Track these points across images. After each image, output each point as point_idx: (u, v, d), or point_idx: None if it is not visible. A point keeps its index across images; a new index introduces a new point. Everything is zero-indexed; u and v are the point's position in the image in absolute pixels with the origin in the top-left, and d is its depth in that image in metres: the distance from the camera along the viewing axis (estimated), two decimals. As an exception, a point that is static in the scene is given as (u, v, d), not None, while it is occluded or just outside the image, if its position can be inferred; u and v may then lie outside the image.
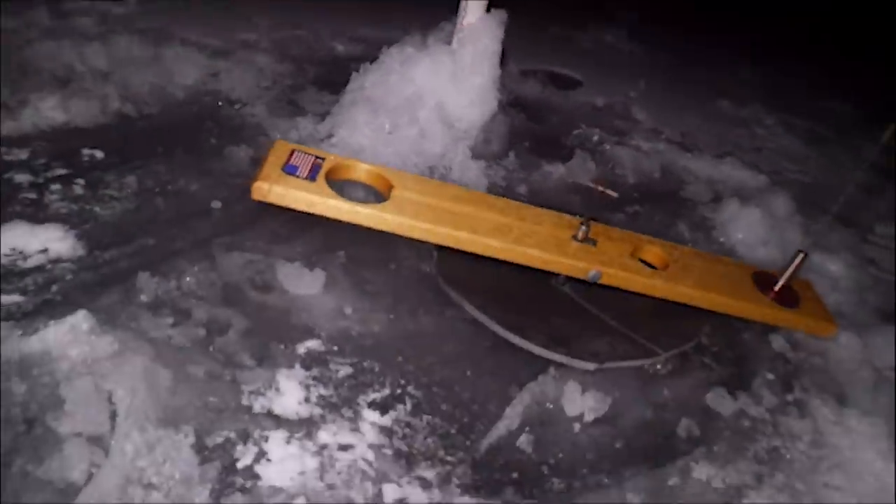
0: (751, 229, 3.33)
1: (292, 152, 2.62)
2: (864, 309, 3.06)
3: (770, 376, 2.58)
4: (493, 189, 3.20)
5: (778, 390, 2.52)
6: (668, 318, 2.67)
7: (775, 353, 2.70)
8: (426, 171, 3.11)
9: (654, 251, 2.72)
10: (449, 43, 3.35)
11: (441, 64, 3.26)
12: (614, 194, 3.07)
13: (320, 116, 3.33)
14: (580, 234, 2.58)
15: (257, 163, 2.80)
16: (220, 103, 3.38)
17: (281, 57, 3.94)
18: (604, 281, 2.52)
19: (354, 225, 2.32)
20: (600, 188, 3.06)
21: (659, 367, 2.49)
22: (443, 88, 3.24)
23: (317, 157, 2.62)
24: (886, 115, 4.64)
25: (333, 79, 3.72)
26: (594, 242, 2.61)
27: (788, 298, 2.74)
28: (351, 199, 2.36)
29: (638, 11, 6.11)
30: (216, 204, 2.74)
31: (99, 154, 2.88)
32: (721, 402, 2.42)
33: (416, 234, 2.46)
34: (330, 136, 3.11)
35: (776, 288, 2.74)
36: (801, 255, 2.70)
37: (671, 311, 2.63)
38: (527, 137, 3.72)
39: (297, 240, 2.62)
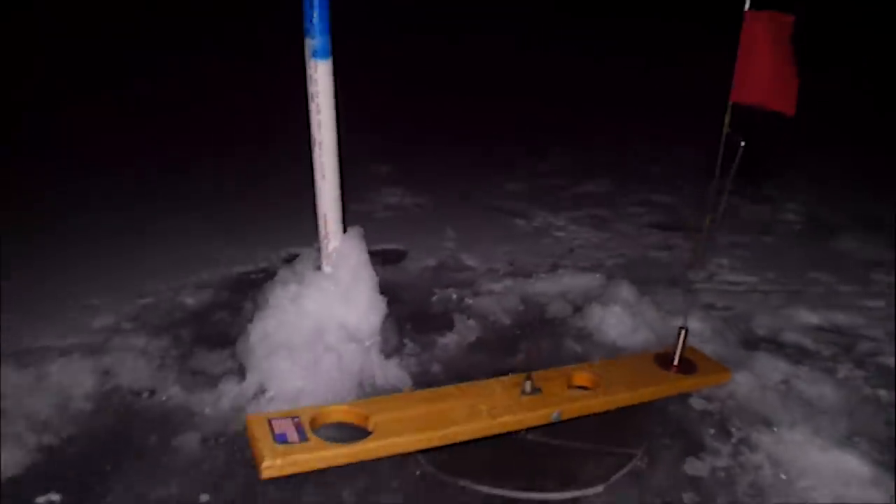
0: (620, 322, 3.97)
1: (269, 422, 2.82)
2: (730, 347, 3.77)
3: (711, 431, 3.13)
4: (417, 378, 3.55)
5: (725, 439, 3.07)
6: (611, 423, 3.19)
7: (702, 412, 3.27)
8: (357, 388, 3.40)
9: (582, 376, 3.25)
10: (319, 268, 3.67)
11: (326, 290, 3.60)
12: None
13: (234, 375, 3.50)
14: (528, 388, 3.04)
15: (211, 445, 2.95)
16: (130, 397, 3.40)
17: (150, 330, 4.01)
18: (564, 416, 2.96)
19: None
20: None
21: (639, 463, 2.95)
22: (337, 311, 3.55)
23: (293, 418, 2.85)
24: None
25: (209, 334, 4.02)
26: (539, 390, 3.08)
27: (687, 367, 3.37)
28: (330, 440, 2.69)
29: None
30: (204, 497, 2.79)
31: (55, 498, 2.80)
32: (697, 467, 2.91)
33: (415, 447, 2.78)
34: (263, 391, 3.33)
35: (675, 363, 3.35)
36: (683, 331, 3.35)
37: (608, 418, 3.16)
38: (406, 320, 4.11)
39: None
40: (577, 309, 4.37)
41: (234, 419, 3.26)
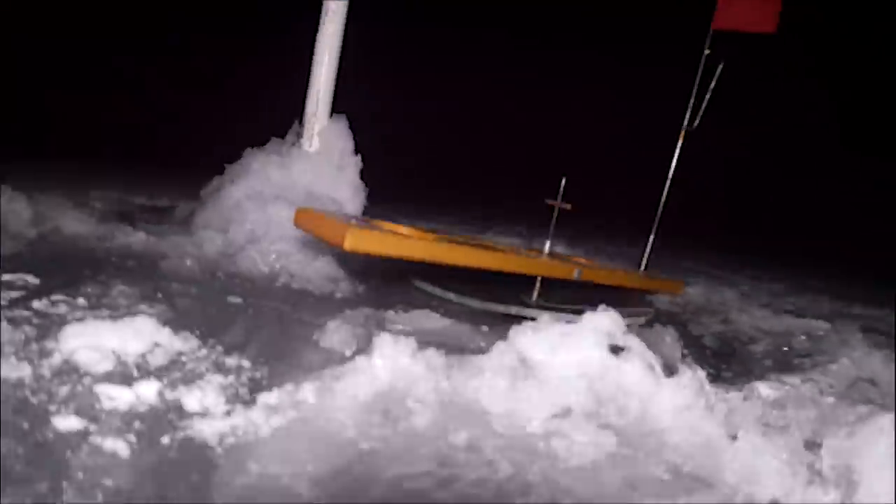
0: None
1: (325, 214, 2.80)
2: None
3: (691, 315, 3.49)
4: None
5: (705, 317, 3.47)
6: (617, 299, 3.49)
7: (674, 310, 3.64)
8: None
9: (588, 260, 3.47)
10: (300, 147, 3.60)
11: (316, 166, 3.50)
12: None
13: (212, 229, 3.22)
14: (548, 252, 3.29)
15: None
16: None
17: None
18: (583, 277, 3.18)
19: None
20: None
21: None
22: (326, 186, 3.47)
23: (354, 217, 2.77)
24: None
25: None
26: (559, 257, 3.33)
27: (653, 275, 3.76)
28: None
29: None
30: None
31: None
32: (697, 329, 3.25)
33: (469, 262, 2.92)
34: (256, 238, 3.14)
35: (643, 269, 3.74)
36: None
37: (613, 297, 3.45)
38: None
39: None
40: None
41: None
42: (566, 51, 6.91)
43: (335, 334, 2.27)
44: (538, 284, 3.43)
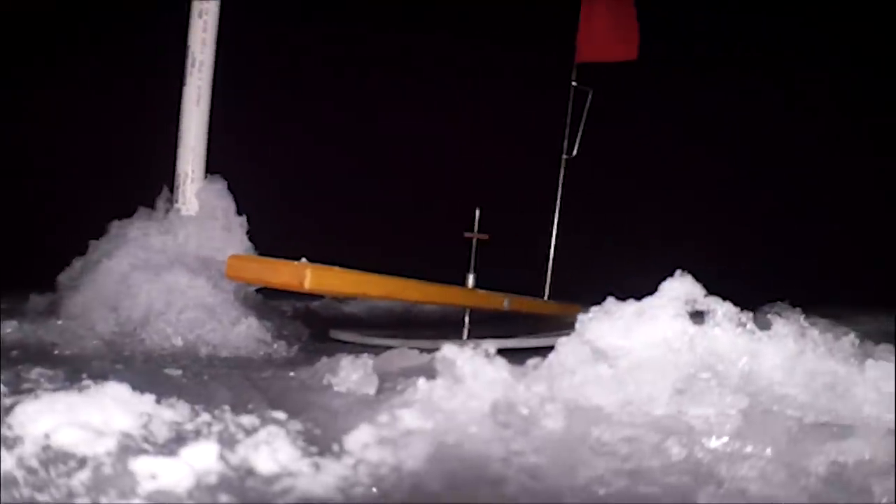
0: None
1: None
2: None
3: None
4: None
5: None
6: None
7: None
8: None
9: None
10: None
11: (204, 230, 3.16)
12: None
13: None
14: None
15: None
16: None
17: None
18: (511, 306, 3.18)
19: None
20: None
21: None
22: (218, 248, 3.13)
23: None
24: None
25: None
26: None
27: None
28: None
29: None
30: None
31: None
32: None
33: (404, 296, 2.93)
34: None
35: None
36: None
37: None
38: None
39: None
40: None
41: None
42: (430, 83, 6.87)
43: (352, 374, 1.93)
44: (467, 317, 3.29)
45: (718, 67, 7.09)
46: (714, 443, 1.48)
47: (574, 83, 3.90)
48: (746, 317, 1.72)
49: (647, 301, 1.77)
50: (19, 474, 1.27)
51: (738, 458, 1.42)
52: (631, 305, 1.78)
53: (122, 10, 5.34)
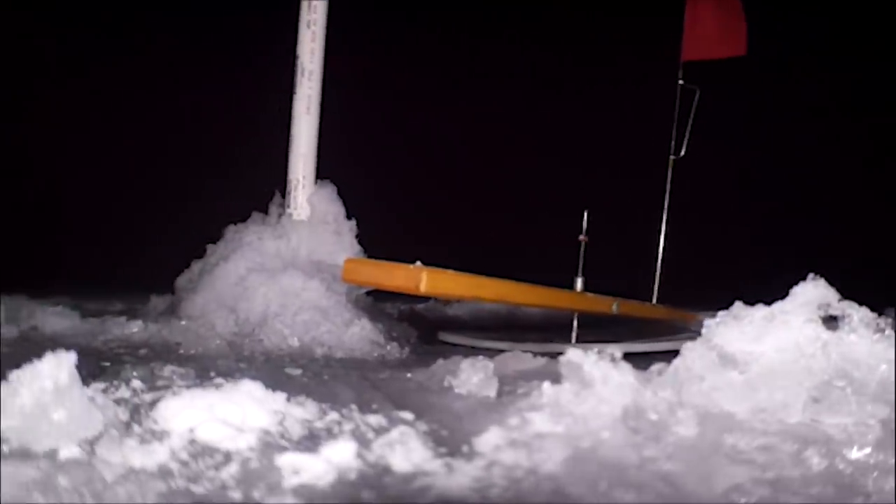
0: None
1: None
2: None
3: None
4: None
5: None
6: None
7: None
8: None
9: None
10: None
11: (312, 231, 3.23)
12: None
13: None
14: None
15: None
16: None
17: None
18: (621, 310, 3.12)
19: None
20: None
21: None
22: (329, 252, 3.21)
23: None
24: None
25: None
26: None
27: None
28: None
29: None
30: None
31: None
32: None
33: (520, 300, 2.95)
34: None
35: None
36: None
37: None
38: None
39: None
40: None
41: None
42: (546, 98, 6.87)
43: (473, 376, 1.96)
44: (576, 321, 3.28)
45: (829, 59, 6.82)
46: (856, 454, 1.43)
47: (681, 82, 3.83)
48: (885, 322, 1.65)
49: (778, 305, 1.72)
50: (174, 466, 1.35)
51: (883, 471, 1.37)
52: (760, 310, 1.73)
53: (236, 21, 5.55)
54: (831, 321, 1.72)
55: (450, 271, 2.40)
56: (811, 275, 1.72)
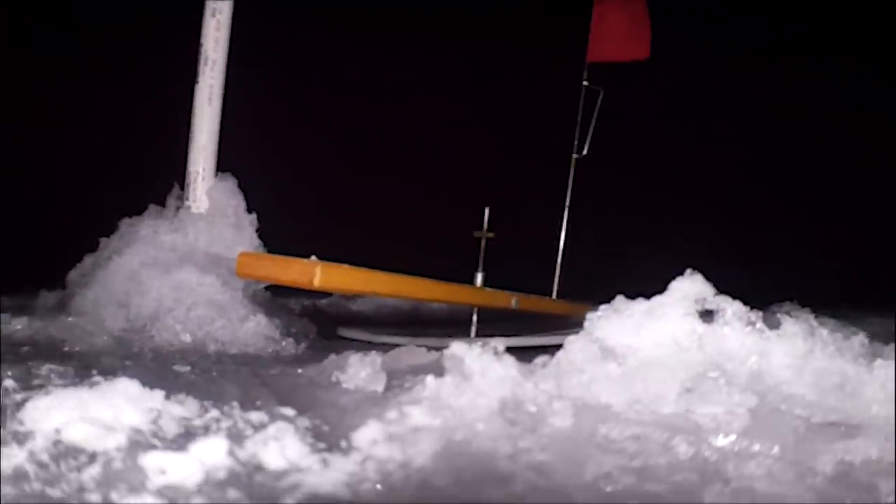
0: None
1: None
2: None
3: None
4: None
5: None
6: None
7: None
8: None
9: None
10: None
11: (210, 224, 3.16)
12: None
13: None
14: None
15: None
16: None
17: None
18: (520, 307, 3.18)
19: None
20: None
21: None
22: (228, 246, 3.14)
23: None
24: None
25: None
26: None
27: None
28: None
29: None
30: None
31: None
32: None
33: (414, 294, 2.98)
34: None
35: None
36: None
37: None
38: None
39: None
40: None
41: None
42: (440, 82, 6.85)
43: (361, 371, 1.93)
44: (475, 316, 3.30)
45: (729, 65, 7.08)
46: (721, 441, 1.48)
47: (585, 83, 3.89)
48: (756, 316, 1.71)
49: (657, 300, 1.77)
50: (30, 469, 1.29)
51: (745, 457, 1.42)
52: (640, 304, 1.77)
53: (136, 9, 5.36)
54: (707, 315, 1.78)
55: (345, 266, 2.37)
56: (688, 270, 1.78)
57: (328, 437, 1.50)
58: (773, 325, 1.70)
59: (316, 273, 2.27)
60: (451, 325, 3.67)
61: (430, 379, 1.64)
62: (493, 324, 3.45)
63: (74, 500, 1.19)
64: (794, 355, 1.65)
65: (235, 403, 1.75)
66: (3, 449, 1.35)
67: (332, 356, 2.20)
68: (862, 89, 6.86)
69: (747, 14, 6.90)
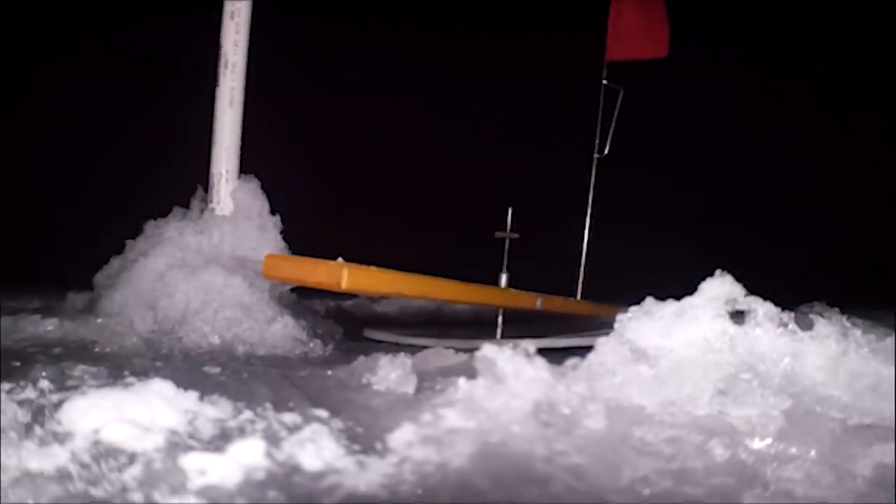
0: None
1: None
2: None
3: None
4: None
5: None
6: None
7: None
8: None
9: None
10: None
11: (235, 226, 3.17)
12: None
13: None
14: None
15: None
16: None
17: None
18: (545, 308, 3.17)
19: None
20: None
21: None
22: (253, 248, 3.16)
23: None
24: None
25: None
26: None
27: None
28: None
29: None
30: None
31: None
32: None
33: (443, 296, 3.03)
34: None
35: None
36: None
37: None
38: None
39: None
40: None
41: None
42: (465, 85, 6.86)
43: (391, 373, 1.94)
44: (500, 317, 3.30)
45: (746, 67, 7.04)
46: (757, 444, 1.47)
47: (605, 82, 3.89)
48: (788, 317, 1.70)
49: (687, 301, 1.76)
50: (73, 469, 1.31)
51: (783, 460, 1.41)
52: (671, 305, 1.77)
53: (157, 11, 5.40)
54: (738, 316, 1.77)
55: (372, 268, 2.38)
56: (718, 271, 1.77)
57: (363, 438, 1.51)
58: (806, 326, 1.69)
59: (343, 275, 2.28)
60: (475, 326, 3.68)
61: (462, 381, 1.64)
62: (516, 325, 3.45)
63: (118, 500, 1.20)
64: (827, 357, 1.64)
65: (268, 405, 1.76)
66: (44, 449, 1.38)
67: (361, 358, 2.21)
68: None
69: (769, 11, 6.86)
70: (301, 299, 3.35)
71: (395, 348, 2.58)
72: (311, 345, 2.79)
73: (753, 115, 7.08)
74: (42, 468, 1.29)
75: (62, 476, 1.26)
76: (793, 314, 1.71)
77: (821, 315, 1.72)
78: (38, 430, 1.49)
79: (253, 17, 3.41)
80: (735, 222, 7.05)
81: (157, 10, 5.67)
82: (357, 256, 2.43)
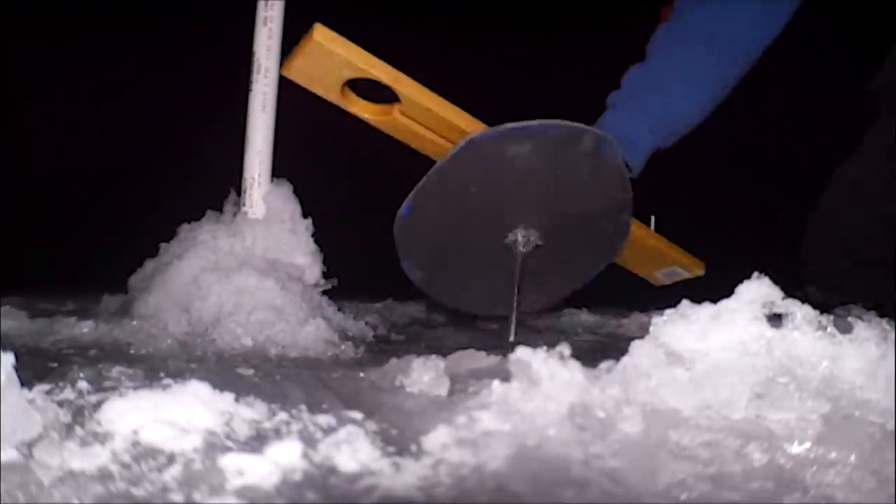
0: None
1: None
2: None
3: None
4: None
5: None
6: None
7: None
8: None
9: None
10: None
11: (267, 230, 3.20)
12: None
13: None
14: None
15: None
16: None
17: None
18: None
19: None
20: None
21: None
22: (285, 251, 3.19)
23: None
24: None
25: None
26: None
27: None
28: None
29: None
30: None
31: None
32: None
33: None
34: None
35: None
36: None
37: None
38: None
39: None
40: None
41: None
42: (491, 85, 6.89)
43: (424, 375, 1.95)
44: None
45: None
46: (796, 448, 1.45)
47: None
48: (827, 320, 1.68)
49: (724, 304, 1.74)
50: (114, 469, 1.33)
51: (822, 465, 1.39)
52: (706, 308, 1.75)
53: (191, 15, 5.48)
54: (775, 319, 1.75)
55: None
56: (755, 273, 1.75)
57: (398, 440, 1.52)
58: (845, 329, 1.67)
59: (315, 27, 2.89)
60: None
61: (496, 384, 1.64)
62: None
63: (159, 499, 1.22)
64: (866, 360, 1.61)
65: (303, 406, 1.78)
66: (86, 449, 1.40)
67: (393, 360, 2.22)
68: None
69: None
70: (332, 301, 3.38)
71: (424, 350, 2.58)
72: (343, 347, 2.81)
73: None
74: (84, 468, 1.31)
75: (104, 476, 1.28)
76: (831, 317, 1.69)
77: (860, 318, 1.70)
78: (78, 430, 1.52)
79: (285, 22, 3.45)
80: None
81: (190, 14, 5.75)
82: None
